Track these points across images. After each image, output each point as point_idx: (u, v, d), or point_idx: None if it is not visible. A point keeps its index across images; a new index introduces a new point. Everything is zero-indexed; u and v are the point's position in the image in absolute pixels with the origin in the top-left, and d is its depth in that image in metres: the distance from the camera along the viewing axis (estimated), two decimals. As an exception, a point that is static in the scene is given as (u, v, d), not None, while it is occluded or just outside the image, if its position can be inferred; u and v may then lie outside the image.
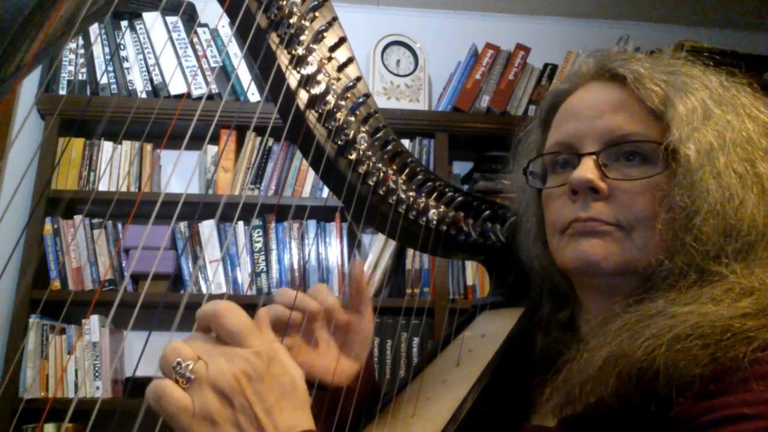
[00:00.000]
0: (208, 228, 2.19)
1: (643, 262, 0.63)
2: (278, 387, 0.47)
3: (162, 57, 2.22)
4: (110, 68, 2.21)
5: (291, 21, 0.67)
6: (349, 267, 0.77)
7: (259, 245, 2.18)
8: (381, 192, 0.75)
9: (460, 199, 0.82)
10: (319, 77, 0.69)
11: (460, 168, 2.48)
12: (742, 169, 0.61)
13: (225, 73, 2.26)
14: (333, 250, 2.19)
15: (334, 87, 0.71)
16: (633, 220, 0.64)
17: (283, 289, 0.71)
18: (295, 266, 2.16)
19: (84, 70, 2.22)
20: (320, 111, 0.70)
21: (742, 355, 0.52)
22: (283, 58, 0.68)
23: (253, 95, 2.23)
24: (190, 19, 2.32)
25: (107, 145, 2.20)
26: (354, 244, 2.30)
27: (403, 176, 0.77)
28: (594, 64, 0.72)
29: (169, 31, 2.26)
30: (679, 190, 0.61)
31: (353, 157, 0.72)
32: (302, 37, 0.68)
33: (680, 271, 0.60)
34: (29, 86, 2.17)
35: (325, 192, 2.20)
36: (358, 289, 0.74)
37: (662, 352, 0.53)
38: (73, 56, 2.22)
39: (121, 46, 2.26)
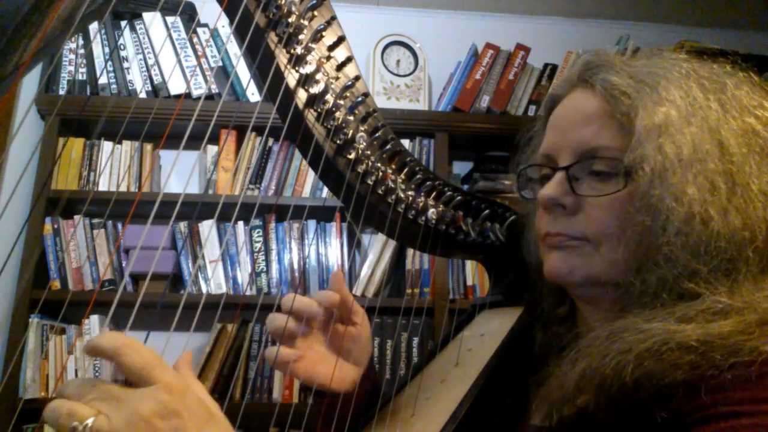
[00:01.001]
0: (207, 228, 2.19)
1: (613, 276, 0.62)
2: (196, 418, 0.44)
3: (161, 57, 2.22)
4: (110, 68, 2.21)
5: (290, 20, 0.67)
6: (331, 280, 0.76)
7: (258, 245, 2.18)
8: (380, 191, 0.75)
9: (459, 198, 0.82)
10: (318, 76, 0.69)
11: (460, 168, 2.48)
12: (708, 184, 0.57)
13: (225, 72, 2.26)
14: (333, 249, 2.19)
15: (332, 86, 0.70)
16: (599, 235, 0.63)
17: (288, 296, 0.71)
18: (295, 266, 2.16)
19: (83, 69, 2.22)
20: (319, 110, 0.70)
21: (718, 361, 0.51)
22: (281, 57, 0.68)
23: (253, 95, 2.23)
24: (190, 18, 2.32)
25: (107, 145, 2.20)
26: (354, 243, 2.30)
27: (402, 175, 0.77)
28: (577, 70, 0.70)
29: (168, 31, 2.26)
30: (639, 208, 0.59)
31: (352, 156, 0.72)
32: (301, 36, 0.68)
33: (654, 290, 0.58)
34: (29, 86, 2.17)
35: (325, 192, 2.20)
36: (343, 300, 0.74)
37: (630, 368, 0.52)
38: (72, 56, 2.22)
39: (121, 46, 2.26)
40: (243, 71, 2.27)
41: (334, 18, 0.71)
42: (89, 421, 0.41)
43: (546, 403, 0.61)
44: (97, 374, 2.00)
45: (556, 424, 0.63)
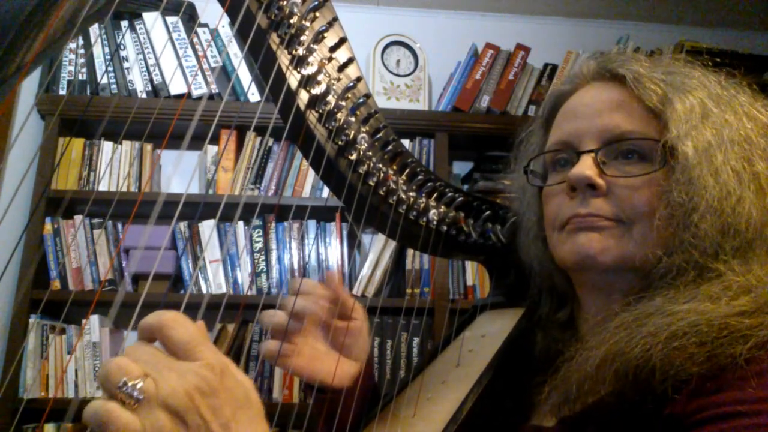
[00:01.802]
0: (208, 228, 2.19)
1: (640, 258, 0.63)
2: (233, 400, 0.44)
3: (162, 57, 2.22)
4: (110, 68, 2.21)
5: (291, 21, 0.67)
6: (326, 282, 0.76)
7: (259, 245, 2.18)
8: (381, 192, 0.75)
9: (460, 199, 0.82)
10: (320, 77, 0.69)
11: (460, 168, 2.48)
12: (739, 167, 0.61)
13: (225, 73, 2.26)
14: (333, 250, 2.19)
15: (334, 87, 0.71)
16: (632, 216, 0.64)
17: (306, 282, 0.73)
18: (295, 266, 2.16)
19: (84, 70, 2.22)
20: (321, 111, 0.70)
21: (738, 353, 0.52)
22: (283, 59, 0.68)
23: (254, 95, 2.23)
24: (191, 19, 2.32)
25: (107, 145, 2.20)
26: (354, 244, 2.30)
27: (404, 176, 0.77)
28: (594, 65, 0.73)
29: (169, 31, 2.26)
30: (676, 186, 0.61)
31: (354, 157, 0.72)
32: (303, 38, 0.68)
33: (678, 269, 0.60)
34: (29, 86, 2.17)
35: (326, 192, 2.20)
36: (340, 299, 0.75)
37: (659, 350, 0.53)
38: (73, 56, 2.22)
39: (122, 46, 2.26)
40: (243, 72, 2.27)
41: (335, 19, 0.71)
42: (138, 381, 0.41)
43: (562, 388, 0.61)
44: (97, 374, 2.00)
45: (557, 424, 0.63)
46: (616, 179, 0.65)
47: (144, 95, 2.19)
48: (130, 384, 0.41)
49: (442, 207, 0.81)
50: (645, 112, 0.65)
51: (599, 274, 0.67)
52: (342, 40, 0.71)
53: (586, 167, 0.66)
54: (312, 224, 2.23)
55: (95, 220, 2.16)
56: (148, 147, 2.24)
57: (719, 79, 0.68)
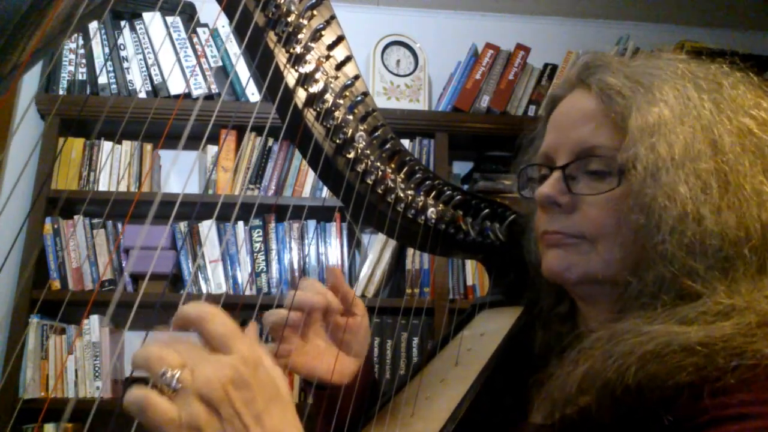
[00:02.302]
0: (207, 227, 2.19)
1: (610, 274, 0.63)
2: (265, 393, 0.46)
3: (161, 56, 2.22)
4: (109, 68, 2.21)
5: (289, 19, 0.67)
6: (327, 276, 0.77)
7: (258, 245, 2.18)
8: (379, 190, 0.75)
9: (458, 197, 0.82)
10: (317, 75, 0.69)
11: (460, 168, 2.48)
12: (701, 183, 0.57)
13: (224, 72, 2.26)
14: (333, 249, 2.19)
15: (332, 85, 0.70)
16: (596, 233, 0.64)
17: (307, 281, 0.73)
18: (295, 266, 2.16)
19: (83, 69, 2.22)
20: (318, 109, 0.70)
21: (722, 364, 0.50)
22: (281, 57, 0.68)
23: (253, 95, 2.23)
24: (190, 18, 2.32)
25: (107, 145, 2.20)
26: (354, 243, 2.30)
27: (402, 175, 0.77)
28: (576, 71, 0.71)
29: (168, 31, 2.26)
30: (634, 206, 0.59)
31: (351, 155, 0.72)
32: (300, 36, 0.68)
33: (653, 289, 0.58)
34: (29, 86, 2.17)
35: (325, 191, 2.20)
36: (342, 295, 0.76)
37: (633, 370, 0.52)
38: (72, 56, 2.22)
39: (121, 46, 2.26)
40: (242, 71, 2.27)
41: (333, 17, 0.71)
42: (177, 372, 0.43)
43: (548, 402, 0.61)
44: (97, 374, 2.00)
45: (558, 423, 0.63)
46: (581, 197, 0.65)
47: (143, 95, 2.19)
48: (169, 374, 0.43)
49: (441, 205, 0.81)
50: (612, 125, 0.63)
51: (575, 287, 0.69)
52: (339, 38, 0.71)
53: (549, 186, 0.66)
54: (312, 224, 2.23)
55: (95, 220, 2.16)
56: (148, 147, 2.24)
57: (707, 74, 0.64)
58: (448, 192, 0.81)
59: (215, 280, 2.12)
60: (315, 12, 0.70)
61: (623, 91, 0.63)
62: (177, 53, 2.23)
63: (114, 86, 2.20)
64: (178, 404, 0.43)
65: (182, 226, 2.18)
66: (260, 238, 2.19)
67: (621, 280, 0.61)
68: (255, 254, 2.17)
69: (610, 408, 0.54)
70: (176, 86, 2.20)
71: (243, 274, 2.15)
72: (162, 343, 0.46)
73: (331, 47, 0.71)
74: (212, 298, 2.05)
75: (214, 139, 2.30)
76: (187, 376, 0.44)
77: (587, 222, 0.64)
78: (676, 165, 0.58)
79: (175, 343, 0.46)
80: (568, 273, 0.66)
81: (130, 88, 2.20)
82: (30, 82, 2.18)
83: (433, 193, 0.81)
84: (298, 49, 0.68)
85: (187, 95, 2.23)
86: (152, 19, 2.24)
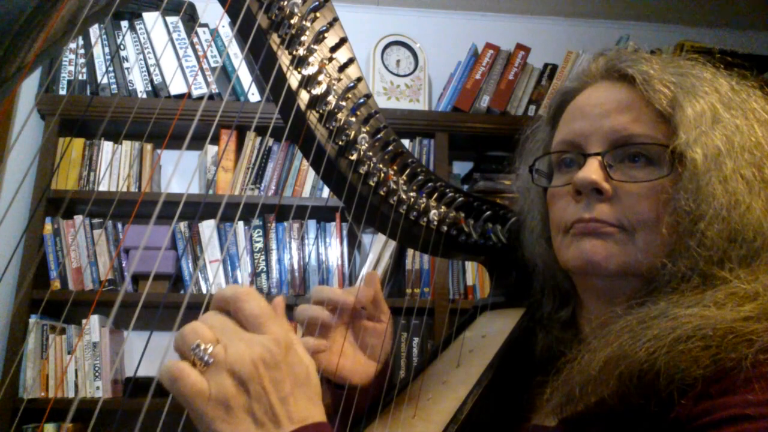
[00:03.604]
0: (208, 228, 2.19)
1: (645, 265, 0.63)
2: (294, 376, 0.46)
3: (162, 57, 2.22)
4: (110, 68, 2.21)
5: (292, 21, 0.67)
6: (365, 279, 0.77)
7: (259, 245, 2.18)
8: (382, 192, 0.75)
9: (460, 199, 0.82)
10: (320, 78, 0.69)
11: (460, 168, 2.48)
12: (749, 174, 0.60)
13: (225, 73, 2.26)
14: (333, 250, 2.20)
15: (335, 87, 0.70)
16: (636, 223, 0.63)
17: (319, 287, 0.73)
18: (296, 266, 2.17)
19: (84, 70, 2.22)
20: (321, 111, 0.70)
21: (743, 356, 0.51)
22: (284, 59, 0.68)
23: (254, 95, 2.23)
24: (191, 19, 2.32)
25: (107, 146, 2.20)
26: (354, 244, 2.30)
27: (404, 177, 0.77)
28: (603, 63, 0.71)
29: (169, 32, 2.26)
30: (684, 194, 0.60)
31: (354, 157, 0.72)
32: (303, 38, 0.68)
33: (683, 275, 0.59)
34: (30, 87, 2.17)
35: (326, 192, 2.20)
36: (375, 299, 0.76)
37: (663, 353, 0.53)
38: (73, 56, 2.22)
39: (122, 47, 2.26)
40: (243, 72, 2.27)
41: (336, 19, 0.71)
42: (210, 346, 0.45)
43: (564, 390, 0.60)
44: (96, 374, 2.00)
45: (559, 424, 0.63)
46: (622, 184, 0.64)
47: (144, 95, 2.19)
48: (202, 347, 0.44)
49: (443, 207, 0.81)
50: (654, 115, 0.64)
51: (603, 280, 0.67)
52: (342, 41, 0.71)
53: (592, 171, 0.65)
54: (312, 224, 2.23)
55: (95, 221, 2.16)
56: (148, 147, 2.24)
57: (731, 82, 0.67)
58: (449, 194, 0.82)
59: (216, 281, 2.12)
60: (318, 14, 0.70)
61: (667, 81, 0.64)
62: (177, 54, 2.23)
63: (114, 86, 2.20)
64: (208, 378, 0.44)
65: (183, 226, 2.18)
66: (261, 239, 2.19)
67: (654, 270, 0.62)
68: (255, 255, 2.17)
69: (629, 394, 0.55)
70: (177, 87, 2.20)
71: (243, 275, 2.15)
72: (198, 319, 0.47)
73: (334, 49, 0.71)
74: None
75: (214, 139, 2.30)
76: (220, 350, 0.45)
77: (628, 211, 0.64)
78: (734, 154, 0.60)
79: (212, 319, 0.47)
80: (606, 263, 0.64)
81: (130, 88, 2.20)
82: (31, 82, 2.18)
83: (435, 195, 0.81)
84: (301, 52, 0.68)
85: (188, 96, 2.23)
86: (153, 20, 2.24)
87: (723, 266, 0.58)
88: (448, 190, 0.81)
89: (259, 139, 2.25)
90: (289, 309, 0.74)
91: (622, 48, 2.38)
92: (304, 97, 0.69)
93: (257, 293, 0.48)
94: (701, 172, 0.60)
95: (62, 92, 2.20)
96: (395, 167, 0.77)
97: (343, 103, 0.71)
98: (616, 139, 0.65)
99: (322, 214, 2.22)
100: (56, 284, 2.08)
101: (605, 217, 0.64)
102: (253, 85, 2.22)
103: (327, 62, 0.70)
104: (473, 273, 2.19)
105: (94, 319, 2.05)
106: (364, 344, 0.77)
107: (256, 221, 2.21)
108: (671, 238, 0.61)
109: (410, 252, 2.18)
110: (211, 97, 2.23)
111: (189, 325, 0.46)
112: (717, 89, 0.65)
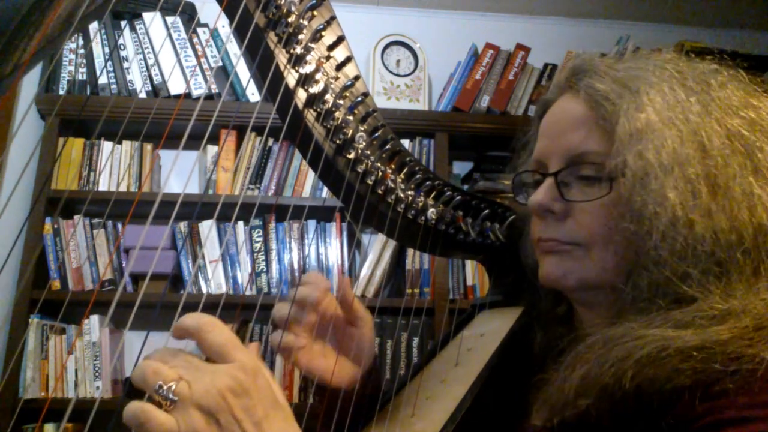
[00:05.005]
0: (207, 228, 2.18)
1: (606, 280, 0.63)
2: (265, 400, 0.46)
3: (161, 57, 2.22)
4: (110, 68, 2.21)
5: (289, 20, 0.67)
6: (338, 288, 0.77)
7: (258, 245, 2.18)
8: (380, 191, 0.75)
9: (459, 198, 0.82)
10: (318, 76, 0.69)
11: (460, 168, 2.48)
12: (690, 188, 0.57)
13: (224, 72, 2.26)
14: (333, 249, 2.19)
15: (332, 86, 0.70)
16: (589, 240, 0.64)
17: (311, 274, 0.74)
18: (295, 266, 2.16)
19: (83, 69, 2.22)
20: (319, 110, 0.70)
21: (720, 368, 0.50)
22: (281, 57, 0.68)
23: (253, 95, 2.23)
24: (190, 18, 2.32)
25: (107, 145, 2.20)
26: (354, 243, 2.30)
27: (402, 175, 0.77)
28: (564, 75, 0.71)
29: (168, 31, 2.26)
30: (625, 213, 0.59)
31: (352, 156, 0.72)
32: (300, 36, 0.68)
33: (648, 294, 0.58)
34: (29, 86, 2.17)
35: (325, 192, 2.20)
36: (349, 308, 0.76)
37: (630, 375, 0.52)
38: (72, 56, 2.22)
39: (121, 46, 2.26)
40: (243, 71, 2.27)
41: (333, 18, 0.71)
42: (173, 384, 0.44)
43: (546, 406, 0.61)
44: (97, 375, 2.00)
45: (558, 425, 0.63)
46: (574, 203, 0.65)
47: (143, 95, 2.19)
48: (165, 387, 0.44)
49: (441, 206, 0.81)
50: (602, 131, 0.63)
51: (572, 293, 0.69)
52: (340, 39, 0.71)
53: (541, 193, 0.66)
54: (312, 224, 2.23)
55: (95, 220, 2.16)
56: (148, 147, 2.24)
57: (695, 74, 0.63)
58: (448, 192, 0.81)
59: (215, 281, 2.12)
60: (315, 13, 0.70)
61: (610, 96, 0.63)
62: (177, 53, 2.23)
63: (114, 86, 2.20)
64: (176, 416, 0.43)
65: (182, 226, 2.18)
66: (260, 238, 2.19)
67: (617, 285, 0.61)
68: (255, 254, 2.17)
69: (609, 412, 0.54)
70: (176, 86, 2.20)
71: (243, 274, 2.15)
72: (157, 358, 0.46)
73: (331, 48, 0.71)
74: (212, 298, 2.05)
75: (214, 139, 2.30)
76: (184, 387, 0.44)
77: (580, 228, 0.64)
78: (664, 170, 0.58)
79: (170, 357, 0.46)
80: (565, 280, 0.66)
81: (130, 88, 2.20)
82: (30, 82, 2.18)
83: (434, 194, 0.81)
84: (299, 50, 0.68)
85: (187, 95, 2.23)
86: (152, 19, 2.24)
87: (687, 283, 0.56)
88: (446, 189, 0.81)
89: (258, 138, 2.25)
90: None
91: (611, 51, 2.37)
92: (301, 95, 0.69)
93: (219, 322, 0.48)
94: (634, 192, 0.58)
95: (62, 92, 2.20)
96: (393, 166, 0.76)
97: (341, 102, 0.71)
98: (571, 157, 0.65)
99: (322, 214, 2.22)
100: (56, 284, 2.08)
101: (559, 236, 0.66)
102: (253, 84, 2.22)
103: (324, 60, 0.70)
104: (473, 272, 2.19)
105: (94, 319, 2.05)
106: (343, 347, 0.77)
107: (255, 221, 2.21)
108: (628, 255, 0.60)
109: (410, 252, 2.18)
110: (210, 96, 2.23)
111: (146, 364, 0.45)
112: (665, 92, 0.61)
